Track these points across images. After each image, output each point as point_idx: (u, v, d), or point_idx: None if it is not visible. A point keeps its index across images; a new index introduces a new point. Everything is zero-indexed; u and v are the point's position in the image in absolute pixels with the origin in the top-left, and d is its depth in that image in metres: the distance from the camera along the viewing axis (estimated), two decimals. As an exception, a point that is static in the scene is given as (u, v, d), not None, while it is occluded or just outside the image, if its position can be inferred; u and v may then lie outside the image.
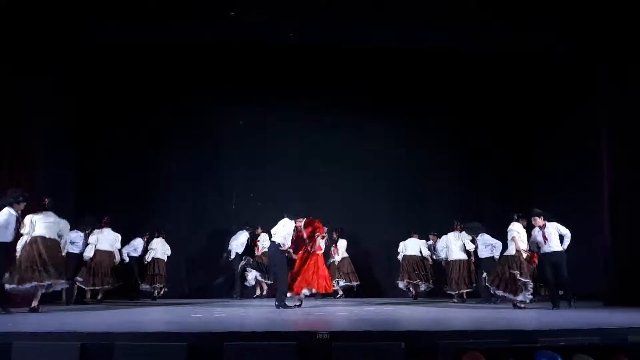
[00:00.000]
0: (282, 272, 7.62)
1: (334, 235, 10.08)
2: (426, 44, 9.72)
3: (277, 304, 7.50)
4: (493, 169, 11.14)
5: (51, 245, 6.70)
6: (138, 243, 9.90)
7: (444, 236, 9.55)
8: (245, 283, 10.25)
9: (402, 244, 10.18)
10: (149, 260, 9.83)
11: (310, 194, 10.62)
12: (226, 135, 11.00)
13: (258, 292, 10.32)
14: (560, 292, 7.60)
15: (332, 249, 10.05)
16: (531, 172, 11.02)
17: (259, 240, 10.20)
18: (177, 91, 10.64)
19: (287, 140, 10.90)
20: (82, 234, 8.70)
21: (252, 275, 10.07)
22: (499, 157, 11.12)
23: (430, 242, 10.19)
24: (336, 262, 10.17)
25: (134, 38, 9.10)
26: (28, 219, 6.69)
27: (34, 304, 6.53)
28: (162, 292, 10.04)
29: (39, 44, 8.20)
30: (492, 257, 8.80)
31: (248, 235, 10.39)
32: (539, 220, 7.56)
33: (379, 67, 10.72)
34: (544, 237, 7.54)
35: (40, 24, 8.09)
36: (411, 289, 10.07)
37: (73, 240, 8.37)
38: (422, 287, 10.00)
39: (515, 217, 7.58)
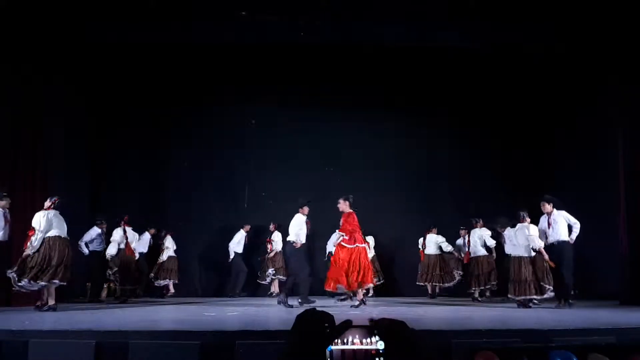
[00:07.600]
0: (302, 269, 7.68)
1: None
2: (439, 43, 9.61)
3: (300, 301, 7.59)
4: (504, 169, 10.97)
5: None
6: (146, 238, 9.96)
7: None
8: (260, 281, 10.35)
9: (421, 240, 10.10)
10: (165, 258, 9.94)
11: (321, 194, 10.58)
12: (238, 134, 11.00)
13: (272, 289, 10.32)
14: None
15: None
16: (544, 172, 10.86)
17: (272, 240, 10.20)
18: (190, 91, 10.68)
19: (298, 140, 10.86)
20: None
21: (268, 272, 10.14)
22: (509, 157, 10.95)
23: (460, 239, 9.89)
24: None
25: (145, 38, 9.09)
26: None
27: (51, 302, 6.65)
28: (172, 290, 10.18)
29: (39, 44, 8.11)
30: None
31: (244, 234, 10.43)
32: (547, 207, 7.36)
33: (393, 66, 10.61)
34: (549, 224, 7.35)
35: (41, 24, 8.00)
36: (429, 290, 9.99)
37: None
38: (447, 285, 9.87)
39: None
